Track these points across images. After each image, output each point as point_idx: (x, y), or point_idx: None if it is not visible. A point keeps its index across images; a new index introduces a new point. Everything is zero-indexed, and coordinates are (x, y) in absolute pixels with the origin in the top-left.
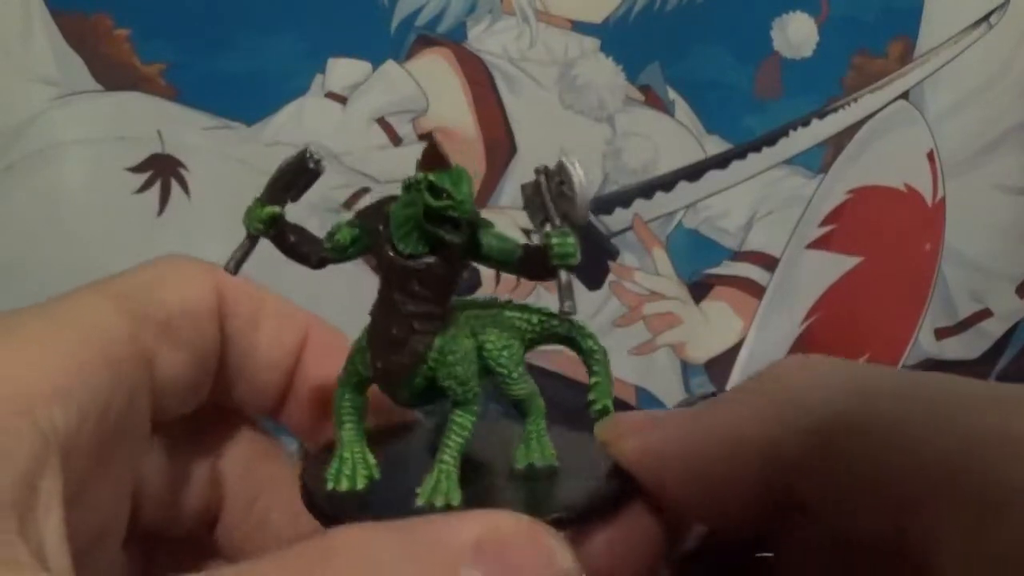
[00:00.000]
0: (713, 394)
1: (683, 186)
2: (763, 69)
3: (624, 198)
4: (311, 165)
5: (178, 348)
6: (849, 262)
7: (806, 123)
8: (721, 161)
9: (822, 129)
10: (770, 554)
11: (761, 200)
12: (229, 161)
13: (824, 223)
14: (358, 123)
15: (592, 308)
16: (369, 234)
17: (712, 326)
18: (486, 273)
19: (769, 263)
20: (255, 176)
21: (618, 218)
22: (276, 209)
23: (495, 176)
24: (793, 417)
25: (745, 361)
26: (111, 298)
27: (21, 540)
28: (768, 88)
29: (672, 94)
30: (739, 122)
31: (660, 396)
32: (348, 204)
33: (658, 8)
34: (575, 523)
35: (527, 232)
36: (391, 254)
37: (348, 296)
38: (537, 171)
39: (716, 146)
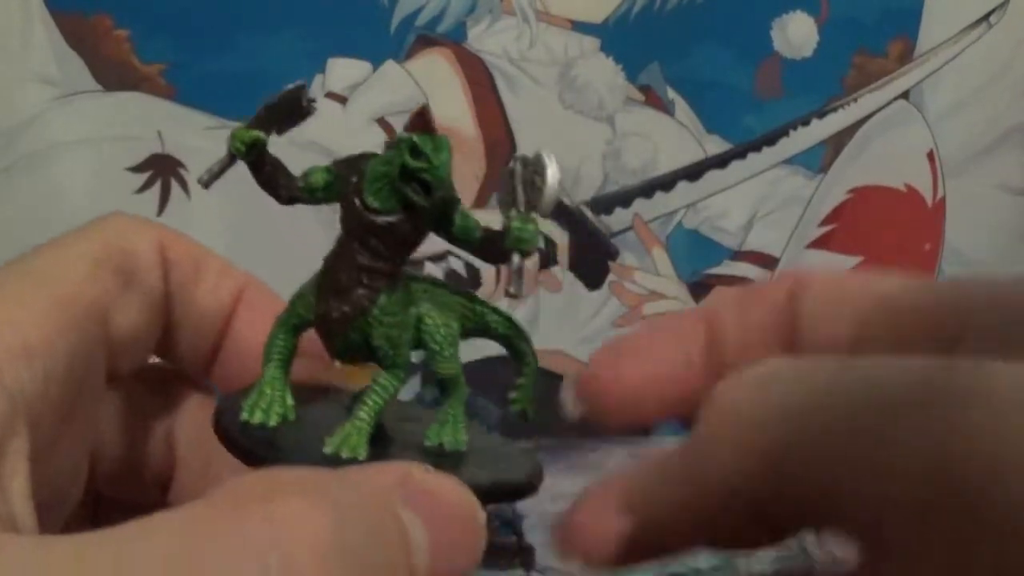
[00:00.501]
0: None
1: (683, 186)
2: (763, 69)
3: (624, 198)
4: (304, 103)
5: (131, 299)
6: (849, 262)
7: (806, 123)
8: (721, 161)
9: (822, 129)
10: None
11: (761, 200)
12: None
13: (824, 223)
14: (358, 123)
15: (592, 308)
16: (342, 182)
17: None
18: (487, 273)
19: (769, 263)
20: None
21: (618, 218)
22: (260, 134)
23: (495, 176)
24: (747, 452)
25: None
26: (84, 256)
27: None
28: (768, 88)
29: (672, 94)
30: (739, 122)
31: None
32: None
33: (658, 8)
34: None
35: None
36: (358, 205)
37: None
38: (515, 158)
39: (716, 146)
